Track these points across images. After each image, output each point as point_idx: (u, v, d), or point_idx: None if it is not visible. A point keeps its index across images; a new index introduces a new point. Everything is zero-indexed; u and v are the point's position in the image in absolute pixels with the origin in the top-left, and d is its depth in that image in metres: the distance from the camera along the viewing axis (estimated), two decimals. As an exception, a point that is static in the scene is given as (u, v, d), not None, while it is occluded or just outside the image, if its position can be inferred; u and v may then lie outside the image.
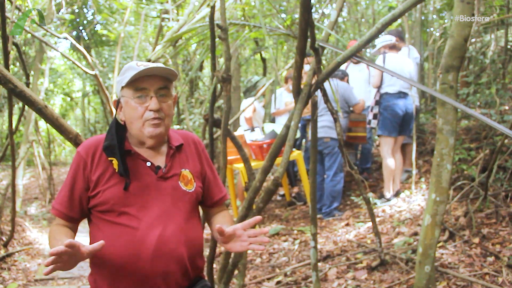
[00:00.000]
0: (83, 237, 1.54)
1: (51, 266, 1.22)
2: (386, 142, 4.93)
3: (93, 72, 5.67)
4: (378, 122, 4.96)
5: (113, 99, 6.38)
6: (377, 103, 4.95)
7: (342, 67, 5.84)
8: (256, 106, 5.85)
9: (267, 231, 1.49)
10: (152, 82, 1.49)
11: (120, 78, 1.52)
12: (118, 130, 1.53)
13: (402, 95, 4.86)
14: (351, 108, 5.32)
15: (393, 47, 4.98)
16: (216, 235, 1.58)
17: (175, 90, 1.62)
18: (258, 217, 1.45)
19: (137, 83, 1.48)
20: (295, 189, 6.07)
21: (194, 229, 1.55)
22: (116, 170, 1.47)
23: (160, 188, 1.51)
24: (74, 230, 1.55)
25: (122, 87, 1.51)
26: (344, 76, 5.43)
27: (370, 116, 5.02)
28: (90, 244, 1.50)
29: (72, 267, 1.29)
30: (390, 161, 4.85)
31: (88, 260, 1.53)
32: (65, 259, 1.24)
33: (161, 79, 1.51)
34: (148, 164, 1.52)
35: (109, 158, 1.49)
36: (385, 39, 5.03)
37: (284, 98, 5.78)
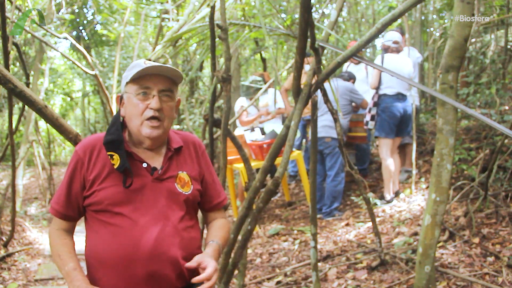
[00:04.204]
0: (80, 237, 1.53)
1: None
2: (384, 143, 4.93)
3: (93, 72, 5.67)
4: (375, 123, 4.96)
5: (113, 99, 6.41)
6: (375, 104, 4.94)
7: (343, 66, 5.85)
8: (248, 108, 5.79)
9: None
10: (157, 81, 1.49)
11: (126, 74, 1.52)
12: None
13: (400, 96, 4.85)
14: (353, 104, 5.31)
15: (394, 50, 4.97)
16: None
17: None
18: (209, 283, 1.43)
19: (141, 80, 1.48)
20: None
21: (190, 231, 1.54)
22: (115, 166, 1.46)
23: (156, 189, 1.49)
24: (72, 231, 1.56)
25: (127, 83, 1.50)
26: (350, 78, 5.42)
27: (368, 117, 5.01)
28: (86, 243, 1.52)
29: None
30: (390, 162, 4.85)
31: (84, 259, 1.53)
32: None
33: (166, 80, 1.51)
34: (144, 165, 1.51)
35: (109, 153, 1.47)
36: (389, 37, 5.01)
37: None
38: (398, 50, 5.00)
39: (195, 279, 1.42)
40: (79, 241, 1.54)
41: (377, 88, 4.90)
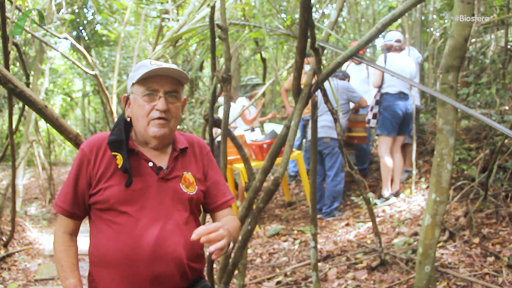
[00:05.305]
0: (84, 238, 1.53)
1: None
2: (384, 141, 4.94)
3: (93, 72, 5.67)
4: (377, 121, 4.97)
5: (113, 99, 6.41)
6: (378, 102, 4.95)
7: (343, 66, 5.85)
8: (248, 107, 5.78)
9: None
10: (163, 82, 1.49)
11: (132, 75, 1.52)
12: (124, 126, 1.53)
13: (402, 95, 4.87)
14: (351, 103, 5.31)
15: (396, 48, 4.98)
16: None
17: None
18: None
19: (147, 82, 1.48)
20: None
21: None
22: (119, 166, 1.46)
23: (161, 189, 1.50)
24: (77, 233, 1.55)
25: (133, 84, 1.51)
26: (345, 77, 5.42)
27: (370, 116, 5.02)
28: (90, 241, 1.51)
29: None
30: (388, 160, 4.86)
31: (88, 259, 1.53)
32: None
33: (172, 81, 1.51)
34: (150, 164, 1.51)
35: (113, 153, 1.48)
36: (391, 36, 5.02)
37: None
38: (400, 49, 5.02)
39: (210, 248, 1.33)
40: (82, 242, 1.54)
41: (380, 87, 4.92)
